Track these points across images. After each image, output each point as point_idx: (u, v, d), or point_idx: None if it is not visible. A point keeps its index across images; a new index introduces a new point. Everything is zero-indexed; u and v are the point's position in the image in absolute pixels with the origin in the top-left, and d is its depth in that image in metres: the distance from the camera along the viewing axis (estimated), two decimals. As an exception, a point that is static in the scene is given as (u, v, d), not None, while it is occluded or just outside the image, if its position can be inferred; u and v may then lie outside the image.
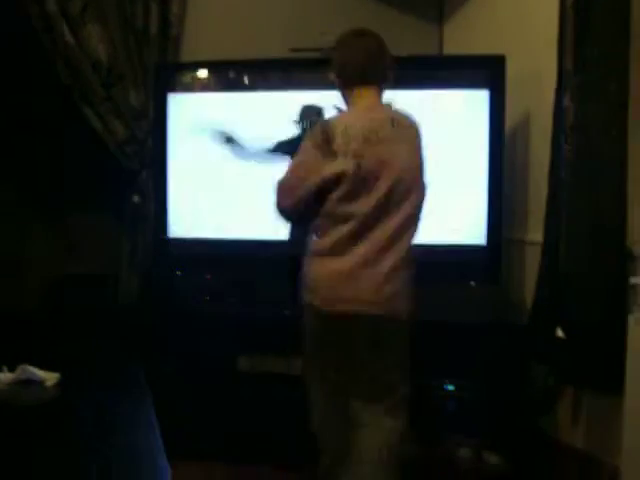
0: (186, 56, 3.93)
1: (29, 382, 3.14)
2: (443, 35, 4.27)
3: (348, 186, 2.41)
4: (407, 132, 2.56)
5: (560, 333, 2.90)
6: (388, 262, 2.43)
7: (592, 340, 2.81)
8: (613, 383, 2.72)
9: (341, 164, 2.41)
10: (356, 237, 2.43)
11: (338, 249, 2.44)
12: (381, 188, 2.43)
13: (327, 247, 2.46)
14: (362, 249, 2.43)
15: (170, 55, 3.87)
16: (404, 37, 4.07)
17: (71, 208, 4.00)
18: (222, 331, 3.18)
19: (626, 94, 2.70)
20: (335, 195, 2.43)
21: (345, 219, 2.44)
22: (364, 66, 2.55)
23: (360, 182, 2.42)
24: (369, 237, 2.43)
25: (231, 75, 3.66)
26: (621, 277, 2.72)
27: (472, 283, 3.43)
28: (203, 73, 3.70)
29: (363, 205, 2.42)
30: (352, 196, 2.42)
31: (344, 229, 2.43)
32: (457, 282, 3.44)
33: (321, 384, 2.54)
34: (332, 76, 2.59)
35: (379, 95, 2.59)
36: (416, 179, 2.54)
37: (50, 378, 3.15)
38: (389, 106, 2.60)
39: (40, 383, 3.13)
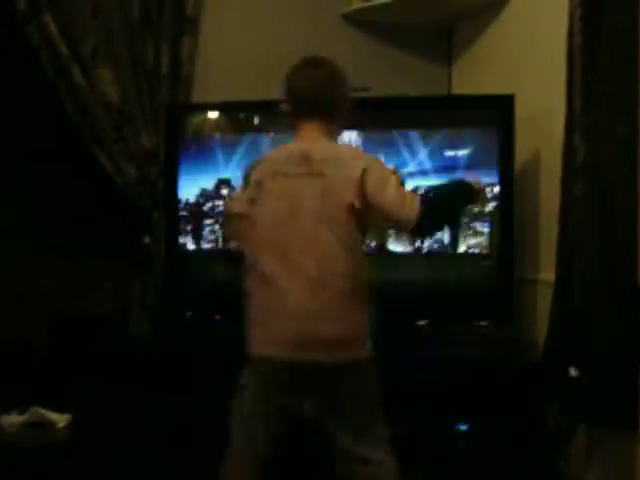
0: (197, 97, 3.96)
1: (40, 424, 3.16)
2: (452, 75, 4.31)
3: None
4: (332, 168, 2.41)
5: (573, 372, 2.92)
6: None
7: (605, 377, 2.80)
8: (628, 420, 2.72)
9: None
10: None
11: None
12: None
13: None
14: None
15: (181, 96, 3.90)
16: (412, 78, 4.18)
17: (82, 248, 4.02)
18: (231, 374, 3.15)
19: (635, 133, 2.74)
20: None
21: None
22: (306, 97, 2.52)
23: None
24: None
25: (241, 117, 3.70)
26: (634, 314, 2.74)
27: (484, 322, 3.44)
28: (214, 114, 3.75)
29: None
30: None
31: None
32: (469, 321, 3.45)
33: None
34: (283, 105, 2.54)
35: (322, 129, 2.51)
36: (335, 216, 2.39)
37: (61, 420, 3.18)
38: (331, 141, 2.55)
39: (50, 425, 3.15)
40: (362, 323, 2.40)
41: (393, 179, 2.36)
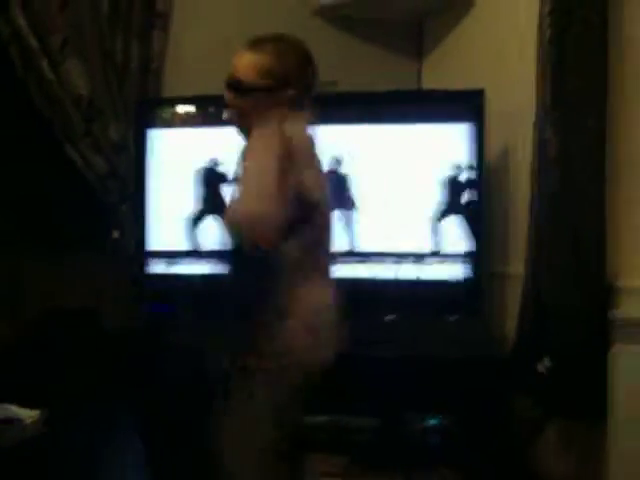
0: (167, 91, 3.95)
1: (8, 421, 3.12)
2: (422, 71, 4.31)
3: None
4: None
5: (543, 365, 2.93)
6: None
7: (575, 371, 2.83)
8: (597, 412, 2.75)
9: None
10: None
11: None
12: None
13: None
14: None
15: (151, 90, 3.88)
16: (383, 73, 4.15)
17: (53, 242, 4.00)
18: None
19: (604, 128, 2.76)
20: None
21: None
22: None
23: None
24: None
25: (212, 110, 3.65)
26: (602, 307, 2.77)
27: (453, 317, 3.43)
28: (183, 108, 3.73)
29: None
30: None
31: None
32: (438, 316, 3.43)
33: None
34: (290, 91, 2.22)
35: None
36: None
37: (30, 416, 3.14)
38: None
39: (20, 421, 3.11)
40: None
41: None
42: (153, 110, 3.75)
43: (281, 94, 2.18)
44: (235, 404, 2.09)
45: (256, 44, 2.24)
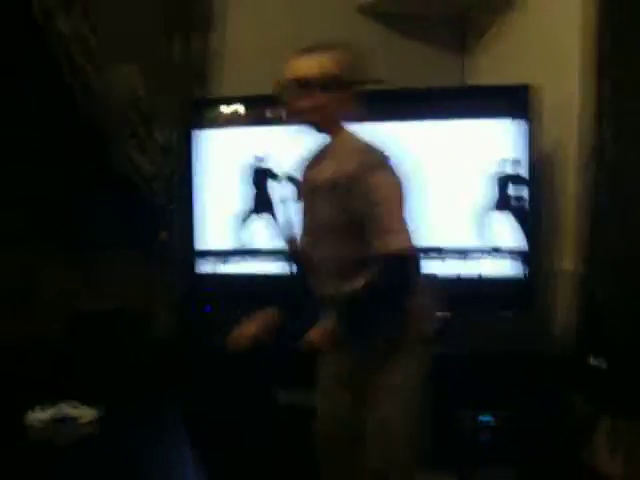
0: (214, 92, 3.95)
1: (65, 420, 3.15)
2: (465, 66, 4.30)
3: None
4: None
5: (597, 363, 2.90)
6: None
7: (629, 368, 2.81)
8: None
9: None
10: None
11: None
12: None
13: None
14: None
15: (197, 91, 3.88)
16: (426, 69, 4.13)
17: (101, 244, 4.01)
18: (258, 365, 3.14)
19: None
20: None
21: None
22: None
23: None
24: None
25: (258, 110, 3.67)
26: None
27: (506, 314, 3.41)
28: (230, 108, 3.73)
29: None
30: None
31: None
32: (492, 313, 3.41)
33: None
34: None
35: None
36: None
37: (86, 415, 3.17)
38: None
39: (76, 421, 3.14)
40: None
41: None
42: (200, 111, 3.77)
43: (349, 92, 2.31)
44: (387, 374, 2.36)
45: (321, 47, 2.32)
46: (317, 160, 2.41)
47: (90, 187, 4.08)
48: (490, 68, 4.11)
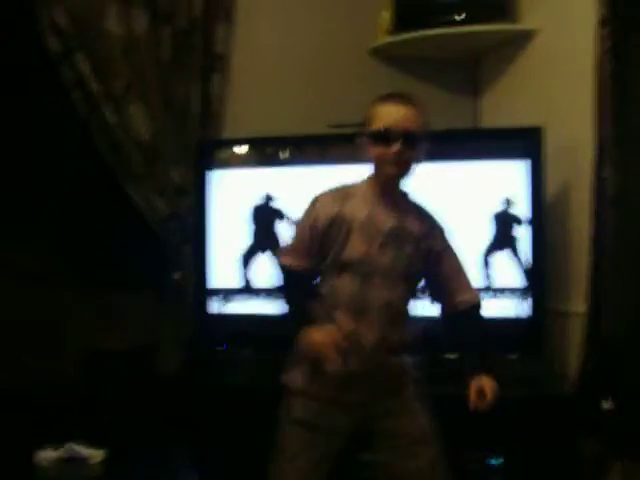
0: (227, 133, 3.97)
1: (73, 460, 3.15)
2: (479, 109, 4.31)
3: None
4: None
5: (607, 404, 2.87)
6: None
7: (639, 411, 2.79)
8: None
9: None
10: None
11: None
12: None
13: None
14: None
15: (211, 132, 3.91)
16: (439, 111, 4.01)
17: (111, 282, 4.04)
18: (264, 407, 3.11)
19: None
20: None
21: None
22: None
23: None
24: None
25: (270, 151, 3.70)
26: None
27: (514, 355, 3.40)
28: (243, 149, 3.76)
29: None
30: None
31: None
32: (499, 354, 3.34)
33: None
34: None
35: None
36: None
37: (95, 456, 3.16)
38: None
39: (85, 461, 3.14)
40: None
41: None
42: (213, 152, 3.78)
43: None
44: (415, 408, 2.48)
45: (409, 99, 2.38)
46: (369, 202, 2.42)
47: (107, 227, 4.11)
48: (503, 110, 4.13)
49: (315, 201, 2.44)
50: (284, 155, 3.69)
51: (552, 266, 3.51)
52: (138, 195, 3.83)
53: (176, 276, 3.86)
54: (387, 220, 2.38)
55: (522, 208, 3.42)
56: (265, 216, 3.65)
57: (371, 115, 2.37)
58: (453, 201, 3.42)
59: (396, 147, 2.30)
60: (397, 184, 2.42)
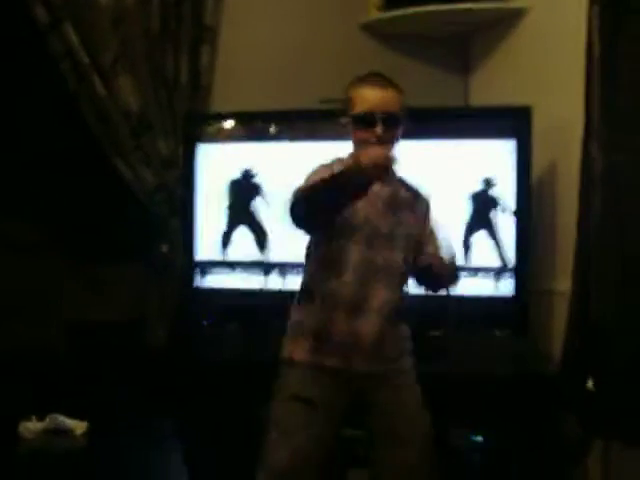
0: (216, 106, 3.94)
1: (58, 431, 3.13)
2: (468, 87, 4.27)
3: None
4: None
5: (590, 384, 2.88)
6: None
7: (623, 391, 2.79)
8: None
9: None
10: None
11: None
12: None
13: None
14: None
15: (200, 105, 3.89)
16: (429, 89, 4.08)
17: (99, 254, 4.01)
18: (249, 381, 3.12)
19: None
20: None
21: None
22: None
23: None
24: None
25: (259, 126, 3.68)
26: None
27: (499, 333, 3.39)
28: (232, 123, 3.74)
29: None
30: None
31: None
32: (484, 332, 3.40)
33: None
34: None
35: None
36: None
37: (79, 427, 3.16)
38: None
39: (69, 432, 3.13)
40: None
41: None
42: (201, 125, 3.77)
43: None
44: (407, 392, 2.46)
45: (388, 80, 2.41)
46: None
47: (95, 199, 4.08)
48: (493, 88, 4.10)
49: (320, 165, 2.41)
50: (273, 130, 3.67)
51: (538, 245, 3.52)
52: (125, 166, 3.80)
53: (163, 249, 3.85)
54: (382, 188, 2.38)
55: (509, 187, 3.41)
56: (243, 192, 3.65)
57: (352, 98, 2.40)
58: (439, 179, 3.37)
59: (378, 130, 2.33)
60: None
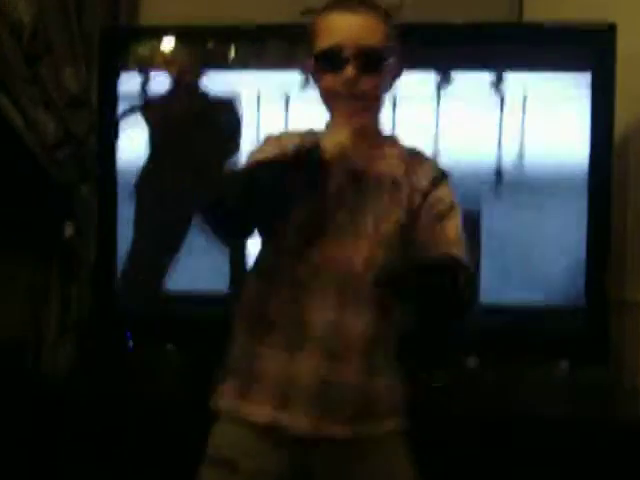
0: (146, 17, 3.92)
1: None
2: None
3: None
4: None
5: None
6: None
7: None
8: None
9: None
10: None
11: None
12: None
13: None
14: None
15: (122, 16, 3.84)
16: None
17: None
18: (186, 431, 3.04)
19: None
20: None
21: None
22: None
23: None
24: None
25: (210, 46, 3.64)
26: None
27: (567, 362, 3.37)
28: (169, 42, 3.64)
29: None
30: None
31: None
32: (546, 360, 3.39)
33: None
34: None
35: None
36: None
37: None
38: None
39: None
40: None
41: None
42: (124, 45, 3.68)
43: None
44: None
45: (362, 3, 2.26)
46: None
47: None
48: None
49: (270, 137, 2.38)
50: (231, 53, 3.58)
51: (624, 239, 3.50)
52: (13, 107, 3.67)
53: (68, 231, 3.77)
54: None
55: (579, 148, 3.32)
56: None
57: (315, 30, 2.30)
58: (480, 133, 3.40)
59: (348, 72, 2.21)
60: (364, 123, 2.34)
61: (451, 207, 2.29)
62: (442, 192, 2.31)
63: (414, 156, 2.36)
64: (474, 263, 2.33)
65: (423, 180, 2.30)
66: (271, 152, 2.22)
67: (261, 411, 2.22)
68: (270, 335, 2.24)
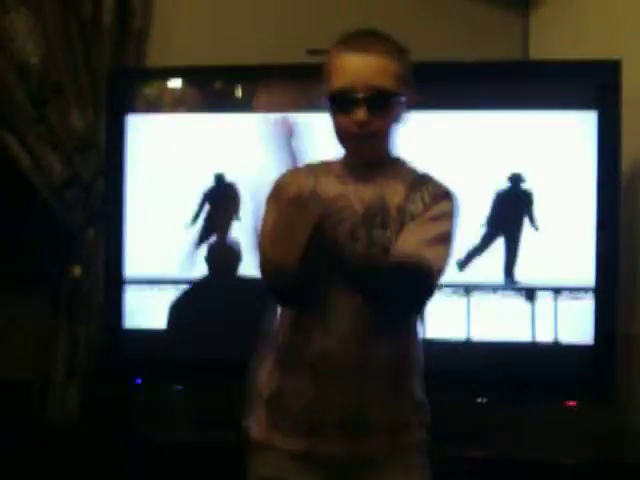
0: (153, 59, 3.93)
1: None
2: (529, 30, 4.20)
3: None
4: None
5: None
6: None
7: None
8: None
9: None
10: None
11: None
12: None
13: None
14: None
15: (131, 57, 3.87)
16: (470, 33, 4.06)
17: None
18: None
19: None
20: None
21: None
22: None
23: None
24: None
25: (218, 87, 3.67)
26: None
27: (571, 402, 3.35)
28: (176, 83, 3.71)
29: None
30: None
31: None
32: (551, 400, 3.38)
33: None
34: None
35: None
36: None
37: None
38: None
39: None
40: None
41: None
42: (132, 87, 3.70)
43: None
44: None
45: (376, 41, 2.30)
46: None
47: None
48: (560, 35, 4.02)
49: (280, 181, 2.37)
50: (238, 93, 3.63)
51: (633, 265, 3.49)
52: (20, 148, 3.73)
53: (75, 272, 3.79)
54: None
55: (587, 180, 3.33)
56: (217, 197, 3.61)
57: (329, 69, 2.31)
58: (489, 167, 3.42)
59: (358, 114, 2.25)
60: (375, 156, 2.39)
61: (444, 215, 2.31)
62: (441, 206, 2.32)
63: (420, 178, 2.38)
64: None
65: (420, 203, 2.32)
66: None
67: (295, 440, 2.29)
68: (298, 366, 2.28)
